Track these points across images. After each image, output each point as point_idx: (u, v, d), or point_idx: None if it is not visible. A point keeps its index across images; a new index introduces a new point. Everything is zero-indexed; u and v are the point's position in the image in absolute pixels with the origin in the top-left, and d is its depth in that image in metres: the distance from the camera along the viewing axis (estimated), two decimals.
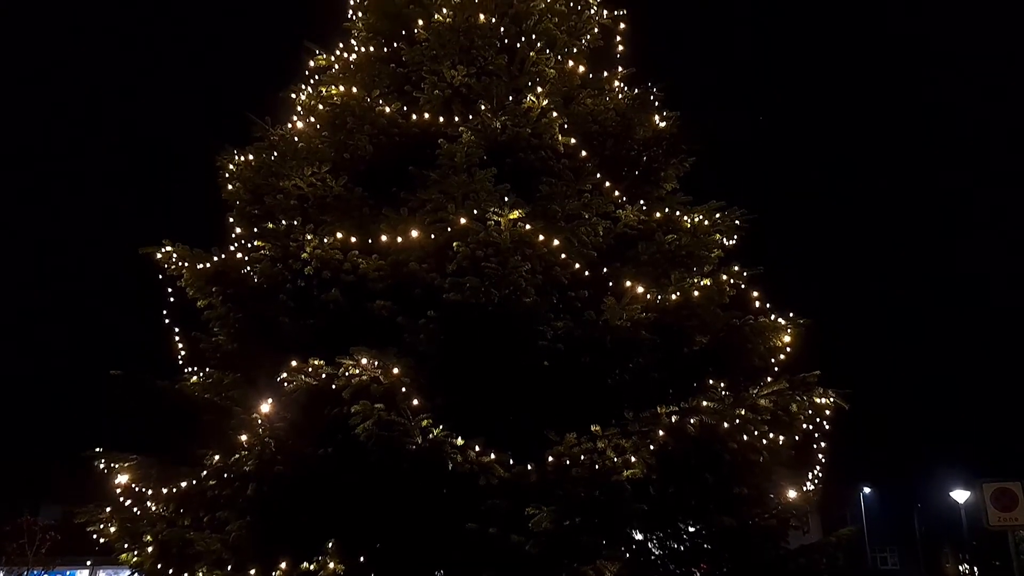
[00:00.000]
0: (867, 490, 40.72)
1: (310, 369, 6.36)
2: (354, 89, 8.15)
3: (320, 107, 8.28)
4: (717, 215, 8.15)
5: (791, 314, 7.78)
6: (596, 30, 9.40)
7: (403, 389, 6.28)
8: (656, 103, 8.88)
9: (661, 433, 6.35)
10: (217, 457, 6.60)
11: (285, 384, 6.44)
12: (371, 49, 8.96)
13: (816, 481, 7.76)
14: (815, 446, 7.62)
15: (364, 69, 8.81)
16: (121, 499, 7.33)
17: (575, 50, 9.16)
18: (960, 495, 26.33)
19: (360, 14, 9.34)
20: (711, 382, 7.05)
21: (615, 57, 9.56)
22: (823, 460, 7.73)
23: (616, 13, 9.45)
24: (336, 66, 8.96)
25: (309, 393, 6.39)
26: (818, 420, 7.30)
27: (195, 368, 8.26)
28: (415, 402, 6.25)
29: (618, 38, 9.57)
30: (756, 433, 6.58)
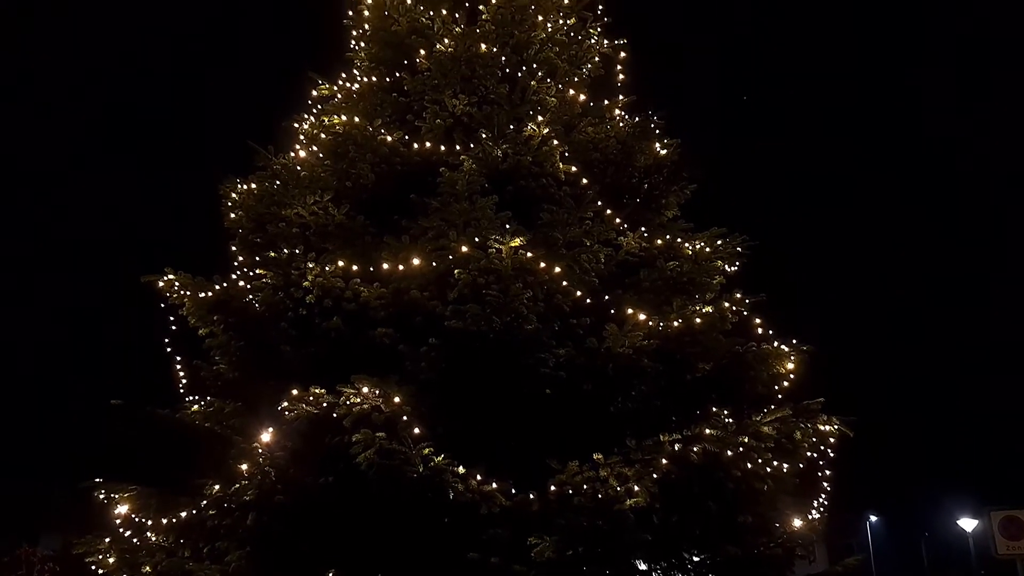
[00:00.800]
0: (873, 518, 40.35)
1: (311, 398, 6.34)
2: (356, 118, 8.20)
3: (323, 136, 8.33)
4: (719, 242, 8.16)
5: (794, 341, 7.76)
6: (596, 59, 9.47)
7: (404, 417, 6.25)
8: (656, 131, 8.92)
9: (664, 461, 6.31)
10: (217, 487, 6.57)
11: (286, 413, 6.41)
12: (373, 79, 9.03)
13: (822, 509, 7.69)
14: (820, 474, 7.58)
15: (366, 98, 8.87)
16: (120, 529, 7.28)
17: (576, 79, 9.22)
18: (968, 523, 26.11)
19: (363, 44, 9.42)
20: (714, 409, 7.03)
21: (615, 85, 9.62)
22: (828, 488, 7.68)
23: (616, 42, 9.53)
24: (339, 95, 9.03)
25: (310, 422, 6.36)
26: (822, 448, 7.27)
27: (196, 397, 8.23)
28: (416, 430, 6.22)
29: (618, 67, 9.64)
30: (760, 461, 6.54)
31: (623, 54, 9.55)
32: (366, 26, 9.32)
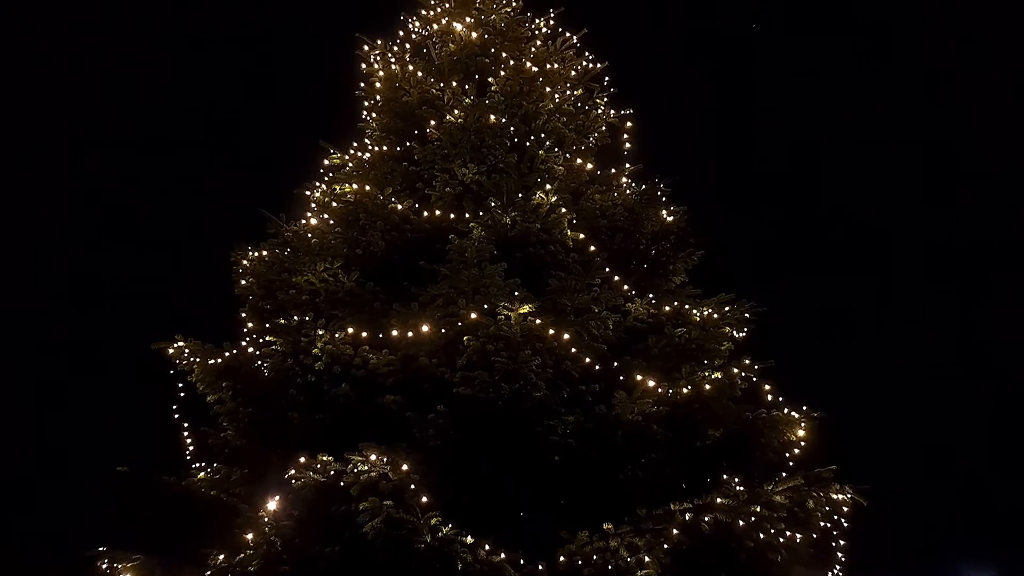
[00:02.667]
0: None
1: (318, 465, 6.31)
2: (368, 186, 8.34)
3: (334, 204, 8.47)
4: (726, 308, 8.15)
5: (804, 407, 7.70)
6: (603, 128, 9.64)
7: (412, 486, 6.20)
8: (663, 198, 9.02)
9: (675, 531, 6.22)
10: (222, 556, 6.49)
11: (293, 481, 6.37)
12: (384, 148, 9.19)
13: None
14: (833, 544, 7.43)
15: (377, 167, 9.02)
16: None
17: (583, 147, 9.37)
18: None
19: (374, 115, 9.62)
20: (725, 477, 6.95)
21: (622, 154, 9.78)
22: (842, 558, 7.53)
23: (623, 112, 9.71)
24: (350, 164, 9.18)
25: (317, 490, 6.31)
26: (836, 517, 7.14)
27: (203, 464, 8.18)
28: (424, 499, 6.17)
29: (625, 136, 9.80)
30: (773, 531, 6.42)
31: (629, 124, 9.72)
32: (378, 97, 9.53)
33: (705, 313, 8.09)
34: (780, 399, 7.76)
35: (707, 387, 7.27)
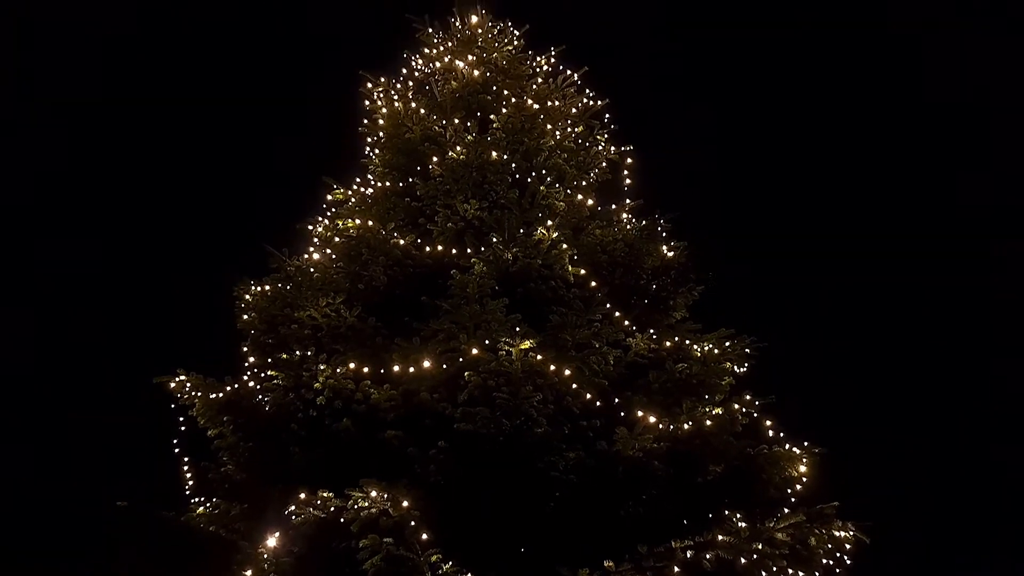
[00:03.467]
0: None
1: (319, 501, 6.31)
2: (370, 222, 8.40)
3: (336, 239, 8.51)
4: (727, 343, 8.17)
5: (806, 443, 7.69)
6: (604, 164, 9.72)
7: (413, 522, 6.19)
8: (664, 233, 9.08)
9: (676, 569, 6.18)
10: None
11: (293, 517, 6.37)
12: (387, 184, 9.26)
13: None
14: None
15: (380, 202, 9.08)
16: None
17: (584, 183, 9.44)
18: None
19: (377, 151, 9.70)
20: (726, 514, 6.92)
21: (623, 189, 9.85)
22: None
23: (623, 148, 9.80)
24: (353, 199, 9.25)
25: (317, 526, 6.31)
26: (838, 554, 7.09)
27: (202, 499, 8.15)
28: (425, 536, 6.14)
29: (625, 171, 9.89)
30: (775, 568, 6.39)
31: (630, 159, 9.81)
32: (380, 134, 9.62)
33: (706, 348, 8.11)
34: (781, 434, 7.75)
35: (708, 423, 7.27)
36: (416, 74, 10.06)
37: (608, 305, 8.02)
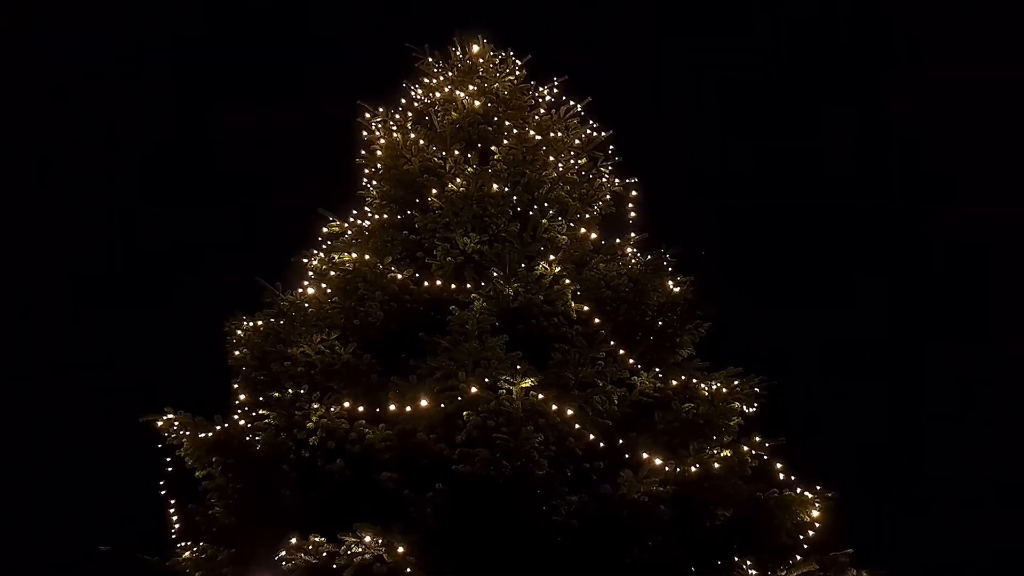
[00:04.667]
0: None
1: (310, 546, 6.11)
2: (367, 255, 8.22)
3: (332, 272, 8.34)
4: (735, 382, 7.99)
5: (818, 487, 7.49)
6: (608, 197, 9.56)
7: (408, 569, 6.01)
8: (669, 268, 8.91)
9: None
10: None
11: (283, 563, 6.15)
12: (385, 216, 9.11)
13: None
14: None
15: (377, 235, 8.92)
16: None
17: (587, 216, 9.28)
18: None
19: (375, 182, 9.56)
20: (736, 560, 6.77)
21: (627, 223, 9.69)
22: None
23: (628, 181, 9.65)
24: (349, 232, 9.09)
25: (308, 572, 6.10)
26: None
27: (188, 543, 7.89)
28: None
29: (630, 204, 9.73)
30: None
31: (634, 192, 9.66)
32: (378, 165, 9.47)
33: (713, 387, 7.93)
34: (792, 478, 7.58)
35: (716, 465, 7.10)
36: (415, 104, 9.94)
37: (612, 342, 7.85)
